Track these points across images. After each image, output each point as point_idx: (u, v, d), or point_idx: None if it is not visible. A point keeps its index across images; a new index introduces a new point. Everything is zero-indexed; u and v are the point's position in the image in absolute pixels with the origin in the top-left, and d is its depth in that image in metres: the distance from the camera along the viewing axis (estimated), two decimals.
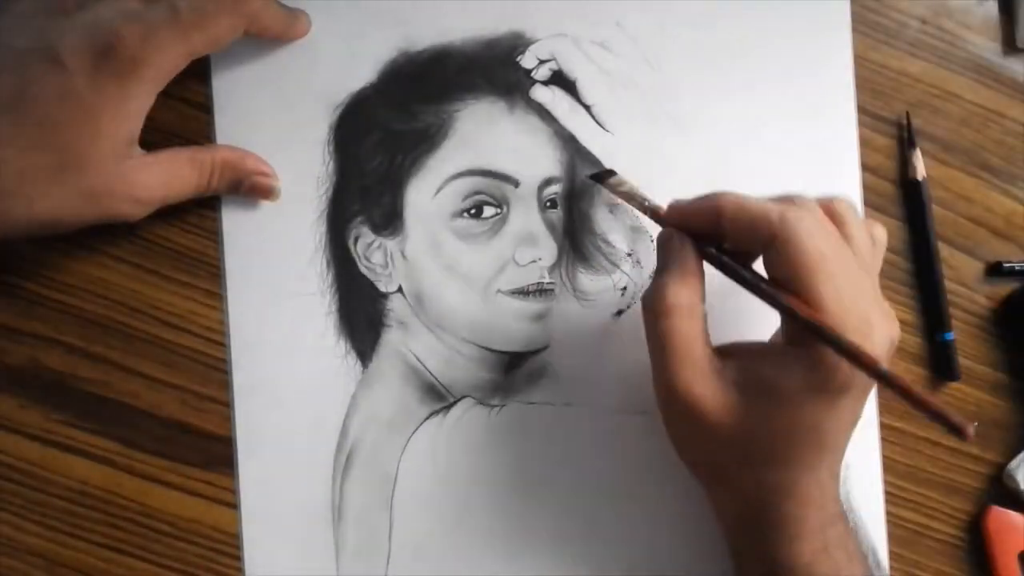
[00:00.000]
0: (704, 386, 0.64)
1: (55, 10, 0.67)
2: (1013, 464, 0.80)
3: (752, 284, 0.66)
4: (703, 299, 0.67)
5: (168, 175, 0.71)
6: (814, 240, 0.63)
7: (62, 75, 0.64)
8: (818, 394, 0.64)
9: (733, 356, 0.67)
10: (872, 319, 0.64)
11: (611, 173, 0.76)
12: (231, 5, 0.68)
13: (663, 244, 0.69)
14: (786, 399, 0.64)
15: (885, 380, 0.61)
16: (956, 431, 0.59)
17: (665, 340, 0.65)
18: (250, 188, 0.75)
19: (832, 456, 0.68)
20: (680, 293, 0.65)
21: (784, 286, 0.64)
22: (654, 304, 0.66)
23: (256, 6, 0.70)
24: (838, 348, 0.62)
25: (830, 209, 0.66)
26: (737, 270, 0.67)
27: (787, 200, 0.65)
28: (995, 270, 0.81)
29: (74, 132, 0.65)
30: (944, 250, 0.81)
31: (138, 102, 0.68)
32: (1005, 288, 0.81)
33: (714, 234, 0.67)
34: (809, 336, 0.63)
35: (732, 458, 0.67)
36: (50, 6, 0.67)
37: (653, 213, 0.72)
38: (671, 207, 0.70)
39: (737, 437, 0.65)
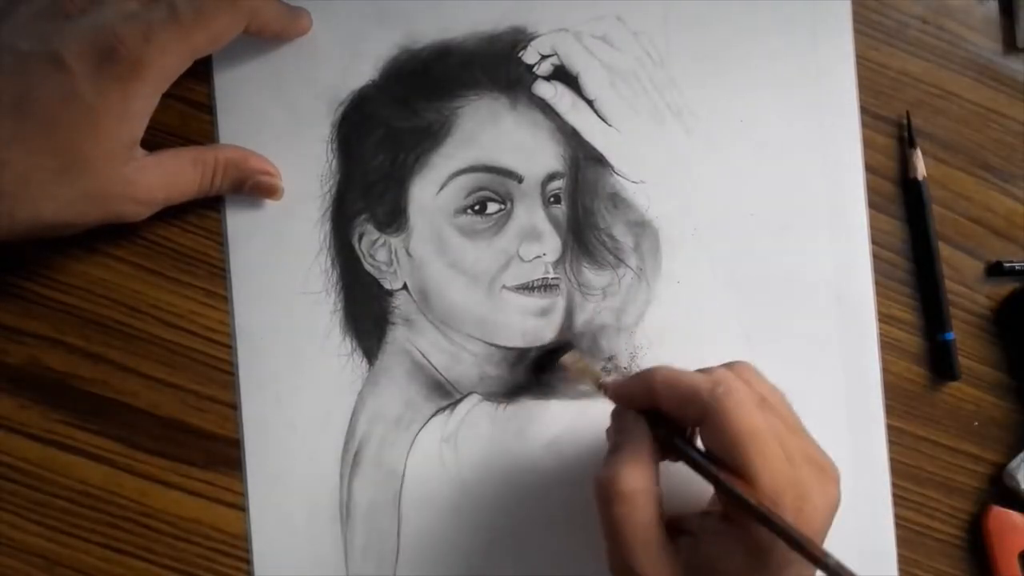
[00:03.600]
0: (658, 571, 0.63)
1: (58, 14, 0.67)
2: (1013, 464, 0.80)
3: (699, 465, 0.65)
4: (656, 479, 0.66)
5: (171, 176, 0.71)
6: (743, 415, 0.62)
7: (65, 78, 0.65)
8: (762, 573, 0.63)
9: (684, 532, 0.67)
10: (808, 490, 0.63)
11: (569, 347, 0.76)
12: (230, 3, 0.69)
13: (615, 422, 0.69)
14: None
15: (823, 565, 0.60)
16: None
17: (619, 527, 0.63)
18: (253, 187, 0.75)
19: None
20: (633, 477, 0.64)
21: (720, 459, 0.64)
22: (607, 490, 0.64)
23: (255, 3, 0.70)
24: (776, 531, 0.61)
25: (738, 374, 0.66)
26: (681, 448, 0.66)
27: (715, 372, 0.65)
28: (995, 270, 0.81)
29: (77, 134, 0.65)
30: (944, 250, 0.81)
31: (141, 103, 0.68)
32: (1005, 288, 0.81)
33: (648, 407, 0.67)
34: (745, 515, 0.63)
35: None
36: (53, 10, 0.67)
37: (606, 390, 0.71)
38: (612, 386, 0.70)
39: None
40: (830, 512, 0.64)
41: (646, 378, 0.67)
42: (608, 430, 0.70)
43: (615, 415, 0.69)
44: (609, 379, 0.71)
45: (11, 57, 0.66)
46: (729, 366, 0.66)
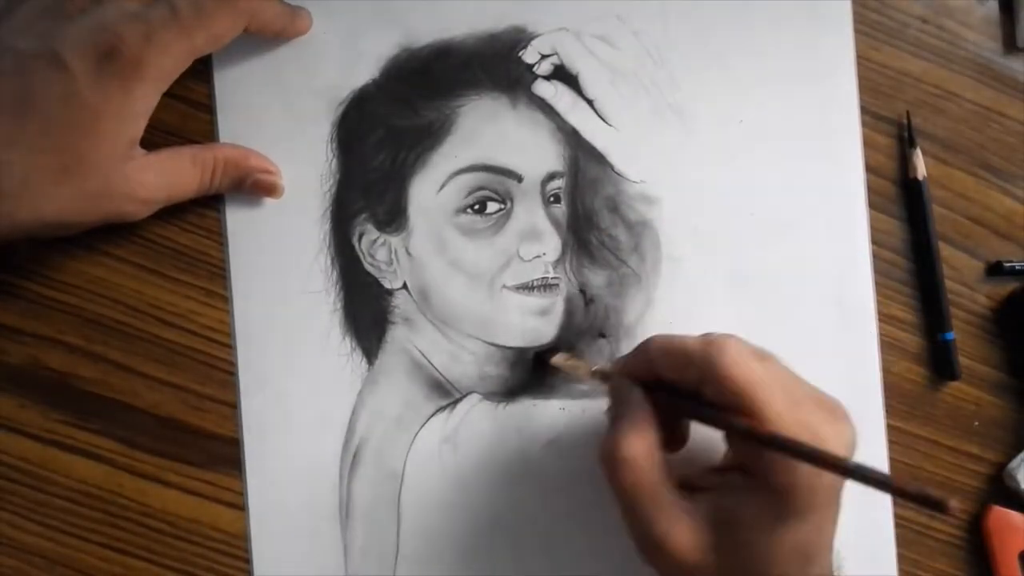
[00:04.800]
0: (679, 531, 0.63)
1: (58, 14, 0.67)
2: (1013, 464, 0.80)
3: (703, 414, 0.66)
4: (659, 444, 0.66)
5: (170, 174, 0.71)
6: (741, 367, 0.62)
7: (65, 78, 0.65)
8: (785, 519, 0.63)
9: (700, 489, 0.66)
10: (819, 430, 0.62)
11: (555, 351, 0.76)
12: (230, 3, 0.69)
13: (613, 394, 0.69)
14: (758, 530, 0.63)
15: (855, 474, 0.59)
16: (939, 507, 0.56)
17: (629, 493, 0.64)
18: (253, 185, 0.75)
19: (821, 561, 0.66)
20: (634, 444, 0.64)
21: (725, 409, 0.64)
22: (611, 458, 0.65)
23: (255, 4, 0.70)
24: (800, 454, 0.61)
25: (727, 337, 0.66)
26: (684, 404, 0.67)
27: (707, 335, 0.65)
28: (995, 270, 0.81)
29: (77, 133, 0.66)
30: (944, 250, 0.81)
31: (142, 103, 0.68)
32: (1005, 288, 0.81)
33: (651, 379, 0.67)
34: (757, 461, 0.63)
35: None
36: (54, 10, 0.67)
37: (602, 375, 0.72)
38: (613, 366, 0.70)
39: (722, 571, 0.64)
40: (846, 451, 0.64)
41: (643, 349, 0.68)
42: (607, 408, 0.70)
43: (611, 389, 0.70)
44: (600, 365, 0.72)
45: (11, 57, 0.66)
46: (715, 334, 0.66)
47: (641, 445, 0.64)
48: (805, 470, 0.61)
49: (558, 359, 0.75)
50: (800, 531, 0.63)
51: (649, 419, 0.66)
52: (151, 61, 0.66)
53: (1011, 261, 0.81)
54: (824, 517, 0.64)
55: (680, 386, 0.66)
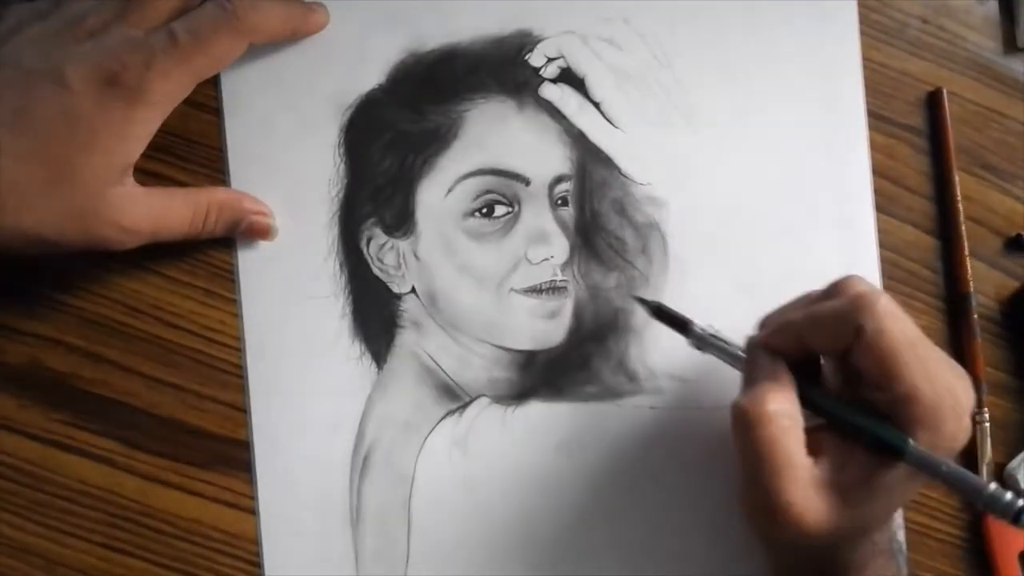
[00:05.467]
0: (807, 499, 0.62)
1: (66, 37, 0.68)
2: (1013, 464, 0.80)
3: (833, 415, 0.66)
4: (799, 410, 0.65)
5: (158, 208, 0.72)
6: (898, 323, 0.62)
7: (67, 95, 0.66)
8: (913, 478, 0.63)
9: (820, 451, 0.65)
10: (958, 391, 0.63)
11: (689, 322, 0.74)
12: (227, 25, 0.69)
13: (752, 358, 0.68)
14: (886, 491, 0.63)
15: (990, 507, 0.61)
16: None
17: (765, 451, 0.62)
18: (248, 229, 0.75)
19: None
20: (778, 399, 0.64)
21: (866, 377, 0.64)
22: (750, 413, 0.63)
23: (253, 21, 0.71)
24: (942, 479, 0.62)
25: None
26: (829, 409, 0.66)
27: (842, 292, 0.65)
28: (1016, 243, 0.82)
29: (72, 147, 0.67)
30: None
31: (143, 126, 0.69)
32: (1006, 287, 0.81)
33: (796, 355, 0.67)
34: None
35: (820, 546, 0.64)
36: (62, 33, 0.68)
37: (699, 340, 0.71)
38: (756, 340, 0.69)
39: (832, 534, 0.63)
40: (969, 429, 0.64)
41: (786, 327, 0.67)
42: (743, 375, 0.69)
43: (751, 353, 0.68)
44: (708, 327, 0.71)
45: (16, 72, 0.67)
46: (845, 283, 0.66)
47: (787, 402, 0.64)
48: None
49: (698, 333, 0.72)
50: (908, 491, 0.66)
51: (791, 386, 0.65)
52: (152, 87, 0.67)
53: None
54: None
55: (822, 358, 0.68)
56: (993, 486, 0.61)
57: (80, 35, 0.68)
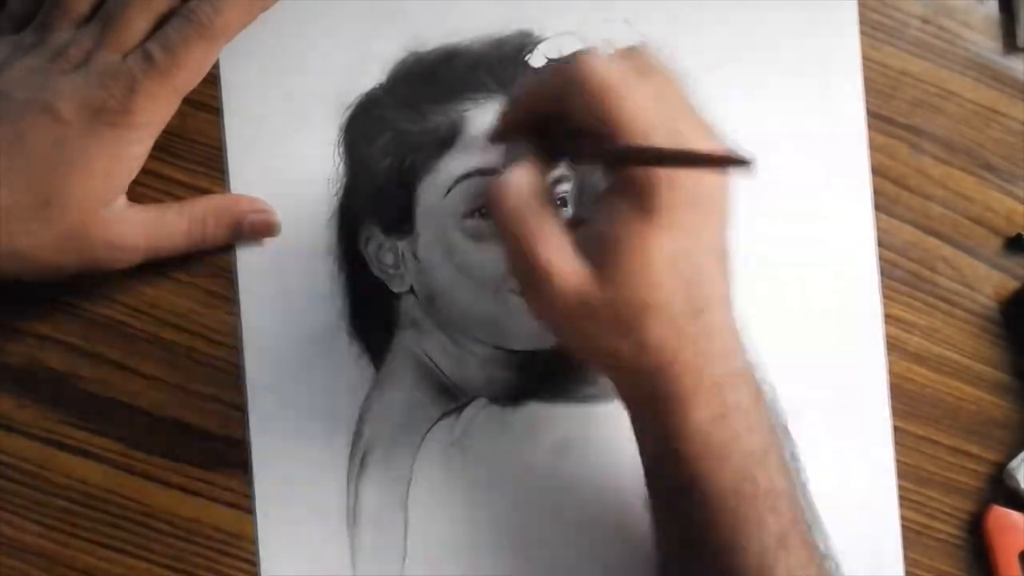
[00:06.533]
0: (563, 256, 0.62)
1: (53, 68, 0.69)
2: (1013, 464, 0.80)
3: (566, 149, 0.67)
4: (542, 174, 0.65)
5: (152, 222, 0.72)
6: (598, 69, 0.62)
7: (59, 127, 0.67)
8: (651, 220, 0.61)
9: (583, 224, 0.65)
10: (681, 128, 0.62)
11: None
12: (196, 35, 0.70)
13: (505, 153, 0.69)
14: (628, 242, 0.61)
15: (726, 161, 0.59)
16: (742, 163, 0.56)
17: (513, 218, 0.63)
18: (251, 228, 0.75)
19: (718, 300, 0.65)
20: (515, 172, 0.64)
21: (595, 137, 0.63)
22: (493, 189, 0.64)
23: (219, 23, 0.71)
24: (674, 160, 0.61)
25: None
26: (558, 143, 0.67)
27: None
28: (1016, 243, 0.82)
29: (63, 172, 0.67)
30: (944, 250, 0.81)
31: (135, 148, 0.70)
32: (1007, 287, 0.82)
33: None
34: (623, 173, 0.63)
35: (605, 328, 0.63)
36: (49, 64, 0.69)
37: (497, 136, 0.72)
38: (502, 117, 0.70)
39: (604, 305, 0.62)
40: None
41: (521, 89, 0.70)
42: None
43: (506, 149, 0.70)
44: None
45: (7, 104, 0.68)
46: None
47: (522, 173, 0.64)
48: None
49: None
50: (671, 238, 0.62)
51: (531, 154, 0.65)
52: (140, 109, 0.68)
53: None
54: (696, 221, 0.63)
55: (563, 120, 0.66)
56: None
57: (66, 67, 0.69)
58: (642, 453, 0.68)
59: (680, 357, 0.62)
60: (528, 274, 0.63)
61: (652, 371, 0.63)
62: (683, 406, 0.62)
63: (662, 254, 0.61)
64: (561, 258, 0.62)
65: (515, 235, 0.63)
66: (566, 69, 0.63)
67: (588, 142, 0.64)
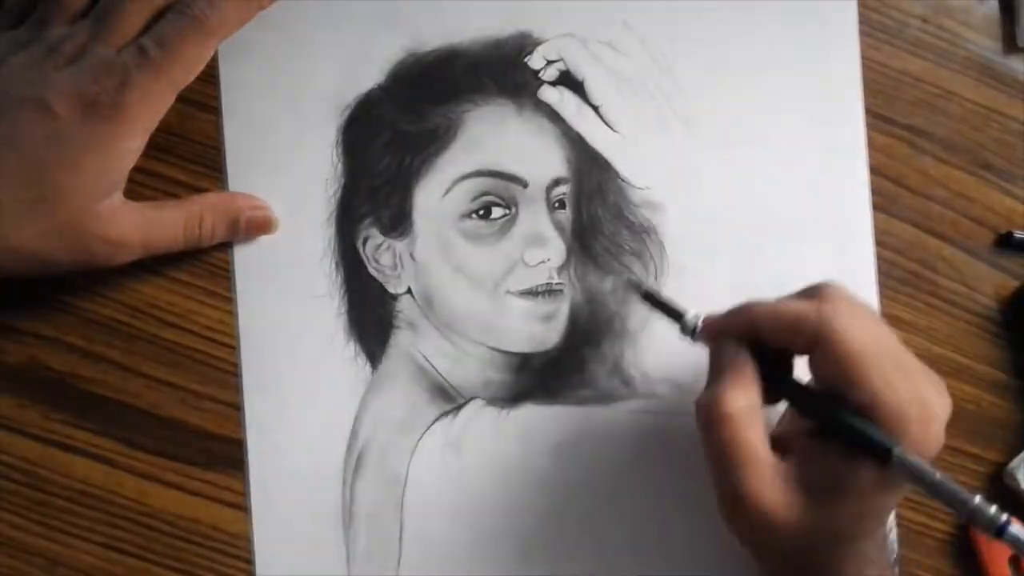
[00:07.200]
0: (772, 493, 0.64)
1: (46, 64, 0.69)
2: (1013, 464, 0.80)
3: (798, 397, 0.68)
4: (760, 403, 0.66)
5: (148, 219, 0.72)
6: (855, 333, 0.63)
7: (51, 120, 0.67)
8: (889, 484, 0.64)
9: (790, 451, 0.66)
10: (928, 398, 0.64)
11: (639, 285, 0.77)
12: (192, 30, 0.69)
13: (716, 350, 0.69)
14: (858, 493, 0.64)
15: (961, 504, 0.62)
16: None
17: (728, 450, 0.64)
18: (248, 225, 0.76)
19: (885, 520, 0.69)
20: (738, 398, 0.65)
21: (831, 386, 0.65)
22: (711, 413, 0.65)
23: (215, 19, 0.70)
24: (928, 488, 0.63)
25: (838, 292, 0.67)
26: (781, 383, 0.68)
27: (814, 295, 0.66)
28: (1005, 241, 0.82)
29: (57, 167, 0.67)
30: (944, 249, 0.81)
31: (128, 142, 0.69)
32: (1006, 287, 0.81)
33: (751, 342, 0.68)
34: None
35: (799, 547, 0.65)
36: (43, 61, 0.69)
37: (699, 329, 0.71)
38: (707, 325, 0.70)
39: (806, 533, 0.64)
40: (946, 421, 0.65)
41: (745, 312, 0.68)
42: (710, 363, 0.70)
43: (713, 348, 0.69)
44: (700, 315, 0.71)
45: (1, 100, 0.68)
46: (822, 287, 0.67)
47: (744, 401, 0.65)
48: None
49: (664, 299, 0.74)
50: (896, 492, 0.66)
51: (753, 377, 0.67)
52: (131, 103, 0.68)
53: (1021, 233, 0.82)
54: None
55: (777, 352, 0.68)
56: (978, 499, 0.61)
57: (60, 62, 0.68)
58: None
59: (854, 562, 0.66)
60: (734, 500, 0.65)
61: (822, 572, 0.67)
62: None
63: (876, 503, 0.65)
64: (772, 492, 0.64)
65: (727, 464, 0.64)
66: (815, 320, 0.64)
67: (819, 402, 0.66)
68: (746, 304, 0.68)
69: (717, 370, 0.68)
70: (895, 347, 0.65)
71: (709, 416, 0.65)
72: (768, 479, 0.64)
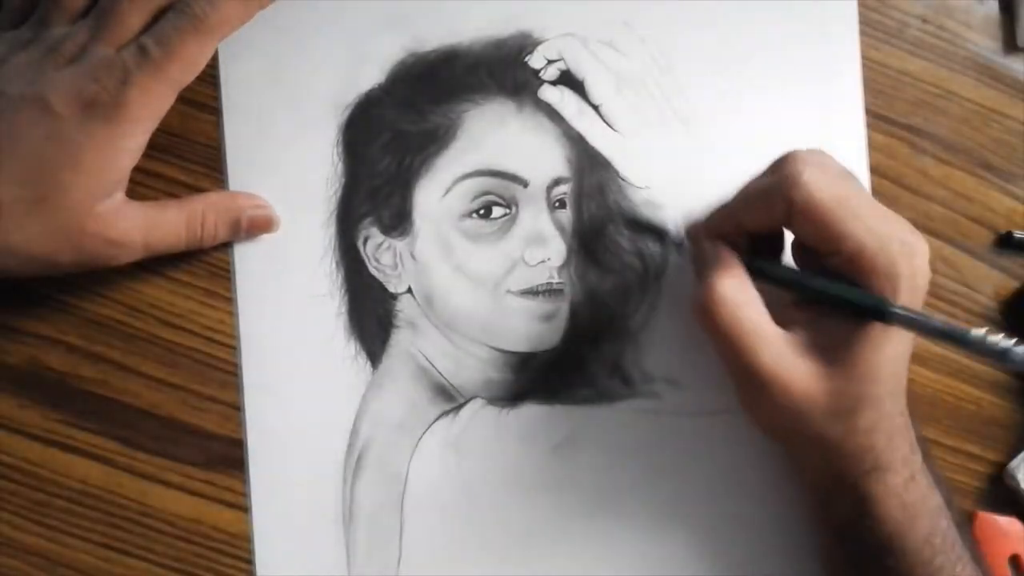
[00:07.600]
0: (786, 362, 0.66)
1: (47, 64, 0.69)
2: (1013, 464, 0.80)
3: (782, 279, 0.70)
4: (752, 286, 0.68)
5: (150, 219, 0.72)
6: (823, 184, 0.66)
7: (51, 119, 0.66)
8: (893, 334, 0.66)
9: (794, 322, 0.68)
10: (905, 237, 0.66)
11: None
12: (192, 29, 0.69)
13: (698, 255, 0.72)
14: (870, 346, 0.65)
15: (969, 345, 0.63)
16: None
17: (732, 330, 0.66)
18: (250, 224, 0.76)
19: (903, 383, 0.69)
20: (726, 283, 0.67)
21: (818, 247, 0.67)
22: (705, 301, 0.67)
23: (215, 18, 0.70)
24: (927, 332, 0.65)
25: (808, 155, 0.69)
26: (767, 269, 0.70)
27: (779, 164, 0.69)
28: (1005, 241, 0.82)
29: (59, 166, 0.67)
30: (944, 249, 0.81)
31: (129, 142, 0.69)
32: (1006, 286, 0.81)
33: (736, 236, 0.70)
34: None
35: (820, 416, 0.67)
36: (43, 60, 0.69)
37: (679, 243, 0.74)
38: (689, 227, 0.73)
39: (828, 400, 0.66)
40: (928, 271, 0.67)
41: (720, 207, 0.72)
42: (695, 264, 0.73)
43: (695, 251, 0.73)
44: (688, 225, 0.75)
45: (1, 99, 0.68)
46: (785, 155, 0.69)
47: (734, 282, 0.67)
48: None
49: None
50: (900, 342, 0.67)
51: (738, 264, 0.69)
52: (132, 102, 0.67)
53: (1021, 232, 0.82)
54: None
55: (765, 238, 0.70)
56: (975, 330, 0.63)
57: (60, 61, 0.68)
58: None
59: (884, 438, 0.68)
60: (750, 379, 0.67)
61: (859, 451, 0.67)
62: (883, 475, 0.68)
63: (887, 355, 0.67)
64: (783, 361, 0.66)
65: (734, 345, 0.67)
66: (785, 190, 0.66)
67: (800, 274, 0.70)
68: (720, 202, 0.71)
69: (702, 266, 0.70)
70: (865, 195, 0.68)
71: (705, 305, 0.67)
72: (778, 350, 0.66)
